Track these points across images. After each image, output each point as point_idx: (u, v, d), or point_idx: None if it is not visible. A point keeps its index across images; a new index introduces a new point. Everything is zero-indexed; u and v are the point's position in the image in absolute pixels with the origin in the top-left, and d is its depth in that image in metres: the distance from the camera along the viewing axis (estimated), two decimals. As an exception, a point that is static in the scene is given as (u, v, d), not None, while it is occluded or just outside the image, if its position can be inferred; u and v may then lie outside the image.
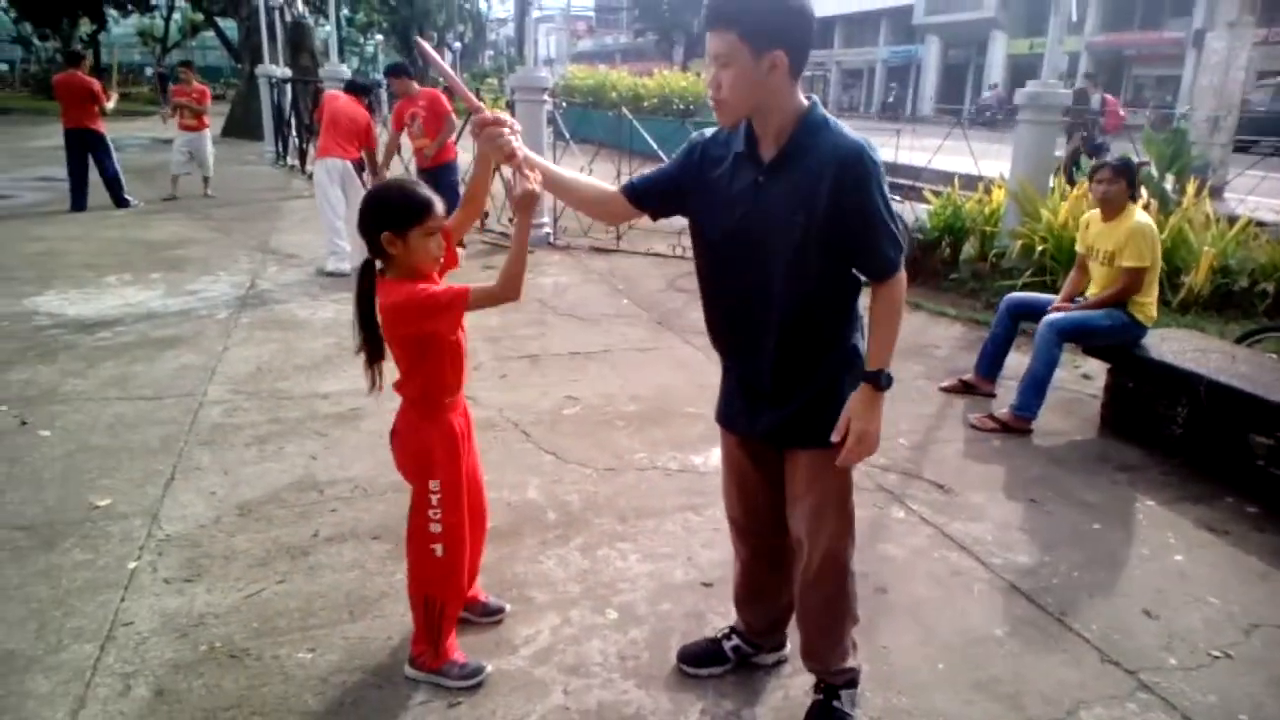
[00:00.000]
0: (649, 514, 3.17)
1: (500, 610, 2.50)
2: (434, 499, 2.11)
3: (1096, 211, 4.16)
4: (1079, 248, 4.31)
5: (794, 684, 2.26)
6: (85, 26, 34.97)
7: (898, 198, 7.47)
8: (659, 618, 2.53)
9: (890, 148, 8.07)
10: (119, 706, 2.10)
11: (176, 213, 9.52)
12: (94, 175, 9.44)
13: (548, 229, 8.55)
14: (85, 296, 5.86)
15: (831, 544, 2.01)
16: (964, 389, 4.46)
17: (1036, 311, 4.41)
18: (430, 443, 2.11)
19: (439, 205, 2.00)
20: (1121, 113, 11.94)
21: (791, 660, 2.34)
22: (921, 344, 5.48)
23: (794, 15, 1.69)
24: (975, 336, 5.58)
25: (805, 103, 1.79)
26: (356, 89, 7.41)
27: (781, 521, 2.08)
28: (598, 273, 7.12)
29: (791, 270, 1.81)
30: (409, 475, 2.17)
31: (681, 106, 16.97)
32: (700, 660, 2.30)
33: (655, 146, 8.90)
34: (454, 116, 7.36)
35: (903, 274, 1.83)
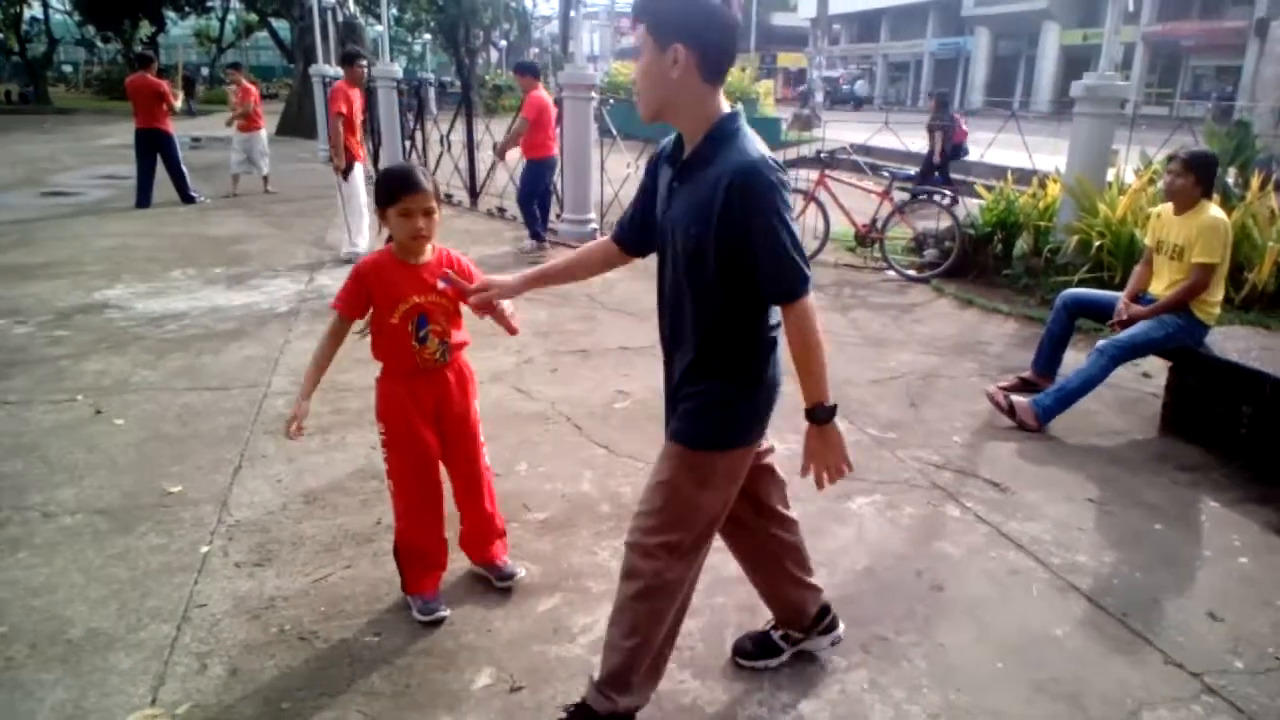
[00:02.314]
0: (701, 508, 3.18)
1: (512, 575, 2.63)
2: (380, 440, 2.44)
3: (1169, 204, 4.04)
4: (1148, 240, 4.19)
5: (850, 679, 2.27)
6: (145, 28, 36.01)
7: (948, 193, 7.40)
8: (713, 610, 2.55)
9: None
10: (196, 684, 2.19)
11: (236, 209, 9.78)
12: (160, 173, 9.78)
13: (594, 225, 8.61)
14: (152, 290, 6.07)
15: (645, 539, 1.89)
16: (1022, 387, 4.40)
17: (1094, 308, 4.34)
18: (378, 394, 2.43)
19: (418, 190, 2.23)
20: (965, 127, 11.75)
21: (847, 653, 2.35)
22: (974, 341, 5.42)
23: (697, 11, 1.67)
24: (1029, 333, 5.50)
25: (723, 110, 1.74)
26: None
27: (737, 516, 2.08)
28: (644, 268, 7.12)
29: (694, 280, 1.79)
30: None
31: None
32: (753, 653, 2.32)
33: (936, 159, 8.86)
34: (523, 118, 7.50)
35: (807, 302, 1.74)
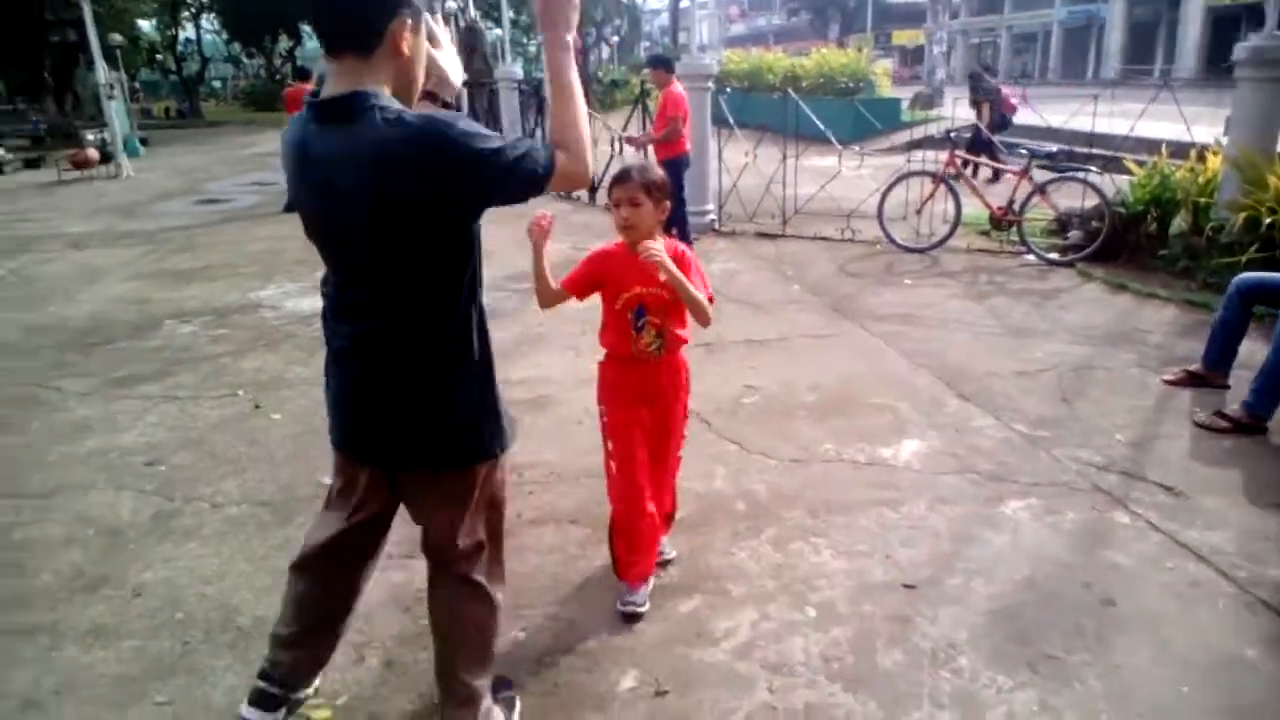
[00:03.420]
0: (839, 508, 3.08)
1: (666, 560, 2.74)
2: (600, 423, 2.54)
3: None
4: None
5: (1017, 699, 2.13)
6: (284, 43, 38.41)
7: (1095, 169, 6.90)
8: (861, 619, 2.45)
9: (1086, 115, 7.42)
10: (354, 675, 2.27)
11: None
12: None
13: (712, 215, 8.52)
14: (302, 290, 6.42)
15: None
16: (1191, 381, 4.04)
17: (1274, 292, 3.93)
18: (599, 378, 2.55)
19: (623, 181, 2.32)
20: (1014, 101, 11.57)
21: (1013, 672, 2.21)
22: (1131, 329, 5.03)
23: None
24: (1191, 320, 5.07)
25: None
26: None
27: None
28: (765, 258, 7.02)
29: None
30: None
31: (844, 84, 16.42)
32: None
33: (822, 127, 8.65)
34: (678, 119, 7.28)
35: None
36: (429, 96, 1.86)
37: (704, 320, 2.33)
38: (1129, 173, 7.07)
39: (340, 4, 1.57)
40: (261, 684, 1.97)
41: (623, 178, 2.33)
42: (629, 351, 2.43)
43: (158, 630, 2.46)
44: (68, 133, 20.55)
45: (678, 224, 7.75)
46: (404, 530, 2.94)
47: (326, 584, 1.99)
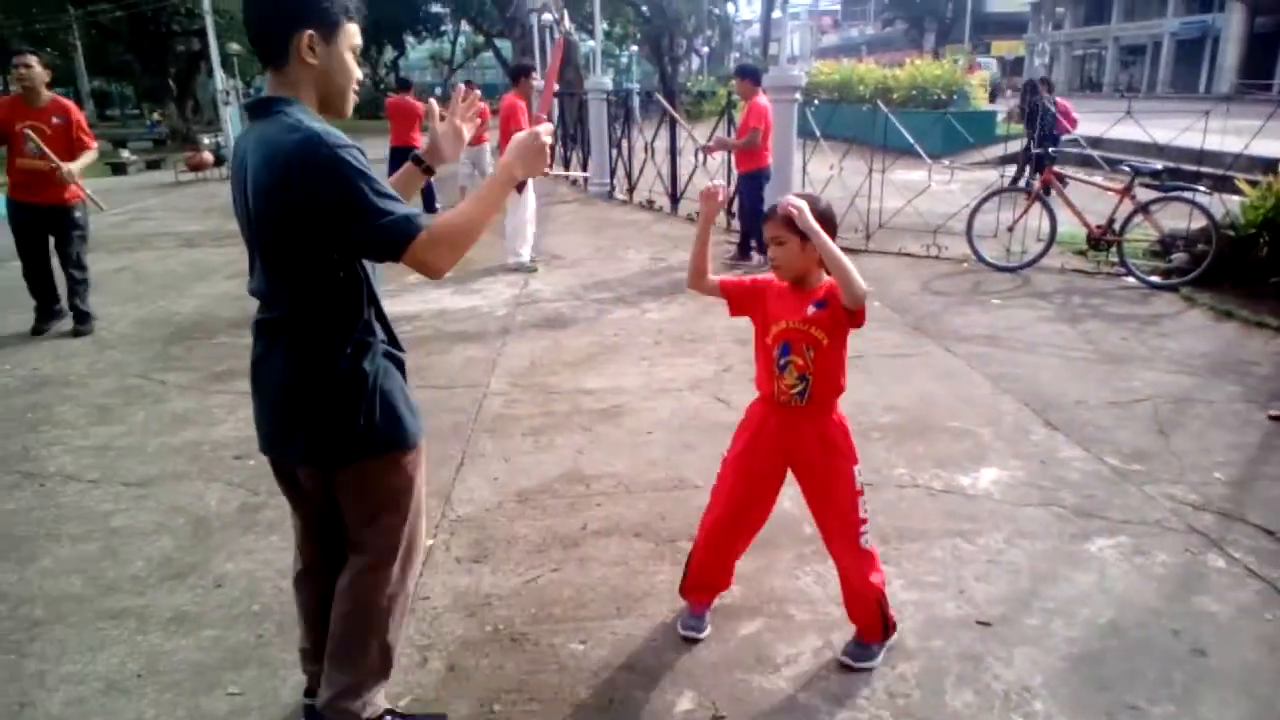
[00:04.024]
0: (912, 536, 2.99)
1: (849, 664, 2.31)
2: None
3: None
4: None
5: (1092, 748, 2.02)
6: (389, 53, 40.04)
7: (1203, 189, 6.53)
8: (930, 655, 2.37)
9: (1195, 131, 7.04)
10: (417, 678, 2.32)
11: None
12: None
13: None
14: (388, 294, 6.51)
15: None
16: (1300, 417, 3.78)
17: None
18: (747, 409, 2.41)
19: (768, 218, 2.20)
20: (1075, 115, 11.43)
21: (1088, 720, 2.10)
22: (1236, 359, 4.73)
23: None
24: (1309, 353, 4.73)
25: None
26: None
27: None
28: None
29: None
30: None
31: (937, 96, 16.01)
32: None
33: (912, 141, 8.45)
34: (759, 132, 7.31)
35: None
36: (416, 161, 1.99)
37: (854, 292, 2.04)
38: (1240, 193, 6.67)
39: (249, 21, 1.69)
40: (307, 700, 2.08)
41: (767, 214, 2.19)
42: (771, 392, 2.25)
43: (235, 621, 2.56)
44: (186, 136, 21.88)
45: (757, 238, 7.71)
46: (473, 534, 3.02)
47: (320, 593, 1.99)
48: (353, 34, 1.71)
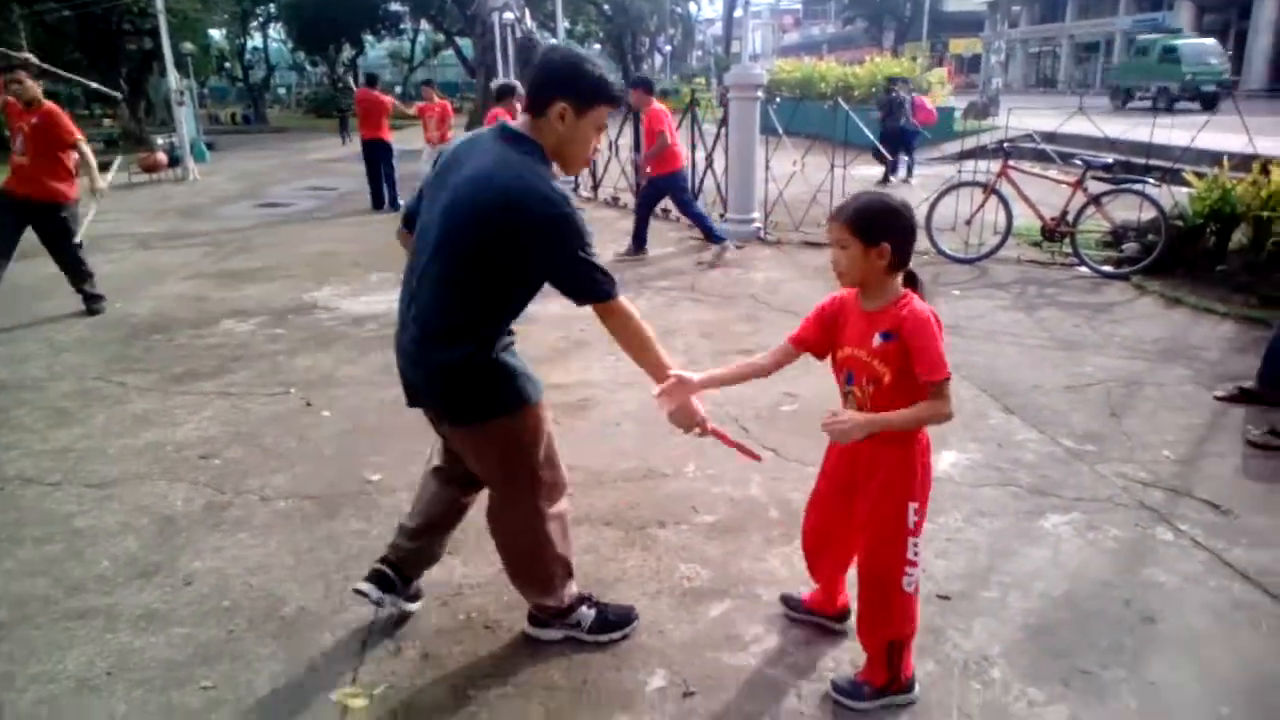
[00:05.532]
0: (876, 518, 3.06)
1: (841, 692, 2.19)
2: None
3: None
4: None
5: (1049, 714, 2.10)
6: (347, 52, 39.57)
7: (1152, 181, 6.73)
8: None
9: (1145, 126, 7.25)
10: (392, 666, 2.34)
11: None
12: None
13: (757, 224, 8.51)
14: (354, 292, 6.60)
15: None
16: (1244, 398, 3.92)
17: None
18: None
19: (831, 220, 1.98)
20: (930, 109, 12.88)
21: (1045, 686, 2.18)
22: (1185, 344, 4.90)
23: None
24: (1250, 337, 4.92)
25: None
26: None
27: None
28: (811, 268, 6.99)
29: None
30: None
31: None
32: None
33: (871, 137, 8.63)
34: (666, 134, 7.35)
35: None
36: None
37: (935, 422, 1.90)
38: (1188, 185, 6.89)
39: (531, 78, 2.06)
40: (381, 566, 2.39)
41: (832, 214, 1.98)
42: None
43: (205, 617, 2.56)
44: (139, 137, 21.42)
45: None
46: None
47: (442, 491, 2.41)
48: (601, 115, 2.02)
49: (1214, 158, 7.25)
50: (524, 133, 2.00)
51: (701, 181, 9.31)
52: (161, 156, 15.41)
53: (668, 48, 38.03)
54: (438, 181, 2.05)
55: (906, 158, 12.07)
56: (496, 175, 1.91)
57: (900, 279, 1.95)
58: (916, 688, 2.15)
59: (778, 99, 10.47)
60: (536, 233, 1.91)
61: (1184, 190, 6.84)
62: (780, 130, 8.84)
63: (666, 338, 5.28)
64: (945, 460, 3.48)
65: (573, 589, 2.39)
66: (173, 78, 16.32)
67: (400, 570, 2.40)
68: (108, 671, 2.33)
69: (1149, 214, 6.54)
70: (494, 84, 10.77)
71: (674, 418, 2.17)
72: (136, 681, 2.28)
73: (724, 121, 8.71)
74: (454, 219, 1.94)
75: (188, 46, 21.49)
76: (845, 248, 1.91)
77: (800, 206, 8.63)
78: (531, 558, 2.29)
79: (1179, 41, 20.84)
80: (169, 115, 18.55)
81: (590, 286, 2.02)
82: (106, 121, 27.31)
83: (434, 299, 2.00)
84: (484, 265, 1.94)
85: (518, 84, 8.44)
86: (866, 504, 2.05)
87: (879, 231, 1.87)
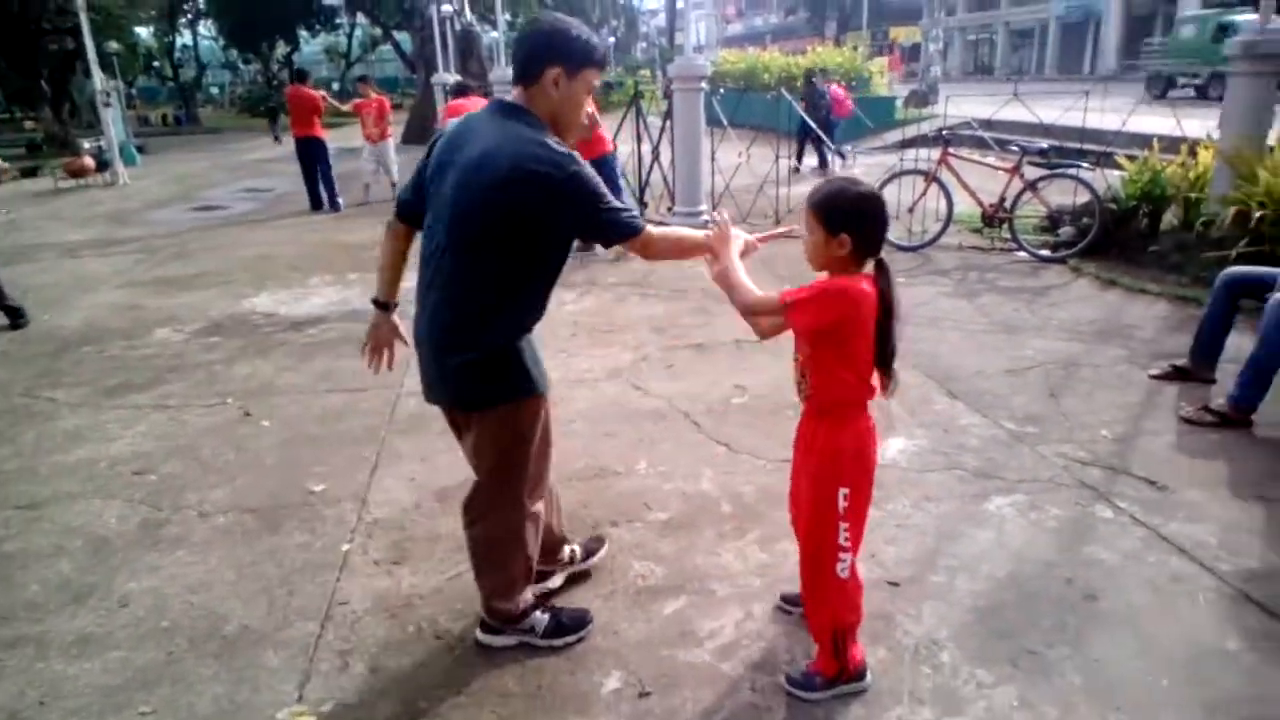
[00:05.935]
0: (827, 507, 3.08)
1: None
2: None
3: None
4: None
5: (997, 695, 2.14)
6: (281, 48, 38.53)
7: (1086, 165, 6.90)
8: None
9: (1078, 111, 7.44)
10: (339, 682, 2.28)
11: (369, 217, 10.22)
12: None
13: (705, 215, 8.53)
14: (294, 296, 6.43)
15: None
16: (1177, 375, 4.05)
17: (1260, 287, 3.94)
18: None
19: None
20: (848, 102, 13.41)
21: (993, 667, 2.22)
22: (1120, 324, 5.04)
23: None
24: (1182, 315, 5.08)
25: None
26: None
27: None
28: (758, 259, 6.94)
29: None
30: None
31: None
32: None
33: (814, 126, 8.71)
34: (591, 115, 7.32)
35: None
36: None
37: (749, 315, 2.05)
38: (1120, 168, 7.08)
39: (516, 54, 2.09)
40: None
41: (807, 197, 1.98)
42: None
43: (143, 640, 2.46)
44: (64, 141, 20.60)
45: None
46: (392, 536, 2.98)
47: None
48: (591, 77, 2.05)
49: (1144, 141, 7.48)
50: (519, 104, 2.04)
51: (648, 174, 9.30)
52: (88, 161, 14.84)
53: (611, 39, 37.94)
54: (439, 169, 2.07)
55: (817, 148, 11.97)
56: (504, 148, 1.94)
57: (868, 268, 1.94)
58: (868, 675, 2.17)
59: (722, 90, 10.50)
60: (556, 197, 1.94)
61: (1117, 173, 7.04)
62: (725, 121, 8.86)
63: (617, 333, 5.28)
64: (893, 447, 3.52)
65: (528, 595, 2.39)
66: (98, 78, 15.69)
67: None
68: (40, 701, 2.23)
69: (1084, 198, 6.71)
70: (443, 81, 10.64)
71: (720, 278, 2.14)
72: (70, 710, 2.19)
73: (669, 114, 8.70)
74: (468, 201, 1.96)
75: (113, 45, 20.72)
76: (811, 233, 1.93)
77: (747, 198, 8.67)
78: (504, 552, 2.29)
79: (1238, 17, 19.64)
80: (95, 117, 17.87)
81: (620, 229, 2.05)
82: (28, 124, 26.19)
83: (454, 285, 2.06)
84: (502, 243, 1.98)
85: (474, 85, 8.42)
86: (806, 484, 2.10)
87: (840, 222, 1.88)
